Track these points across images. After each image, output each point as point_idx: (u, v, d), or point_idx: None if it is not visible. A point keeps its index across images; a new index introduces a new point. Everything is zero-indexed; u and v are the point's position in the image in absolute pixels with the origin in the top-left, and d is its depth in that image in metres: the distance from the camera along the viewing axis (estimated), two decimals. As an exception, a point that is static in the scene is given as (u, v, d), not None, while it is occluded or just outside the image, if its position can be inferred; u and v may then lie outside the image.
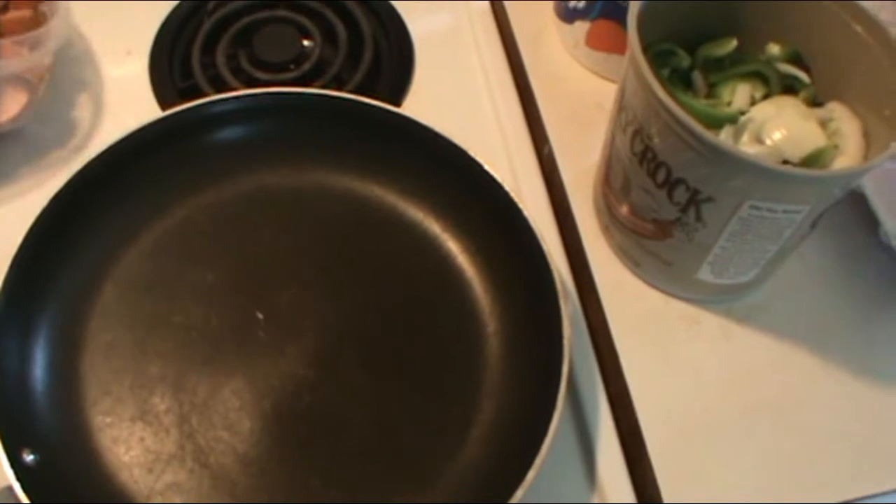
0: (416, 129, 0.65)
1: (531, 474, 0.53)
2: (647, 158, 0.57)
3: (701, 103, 0.60)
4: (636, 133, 0.57)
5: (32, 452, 0.56)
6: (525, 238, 0.61)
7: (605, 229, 0.66)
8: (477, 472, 0.58)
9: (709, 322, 0.65)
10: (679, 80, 0.62)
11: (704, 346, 0.64)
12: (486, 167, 0.63)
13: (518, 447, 0.56)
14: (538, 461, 0.54)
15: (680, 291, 0.65)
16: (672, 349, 0.64)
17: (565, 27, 0.73)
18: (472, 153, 0.63)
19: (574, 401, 0.62)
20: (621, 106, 0.59)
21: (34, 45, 0.64)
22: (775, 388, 0.62)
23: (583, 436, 0.61)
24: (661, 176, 0.57)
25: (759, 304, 0.65)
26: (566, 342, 0.57)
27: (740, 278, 0.62)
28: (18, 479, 0.53)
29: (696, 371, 0.63)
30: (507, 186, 0.63)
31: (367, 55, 0.73)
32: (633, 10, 0.55)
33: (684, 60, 0.62)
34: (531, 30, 0.75)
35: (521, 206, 0.62)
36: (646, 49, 0.60)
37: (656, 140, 0.55)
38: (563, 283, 0.60)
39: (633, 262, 0.65)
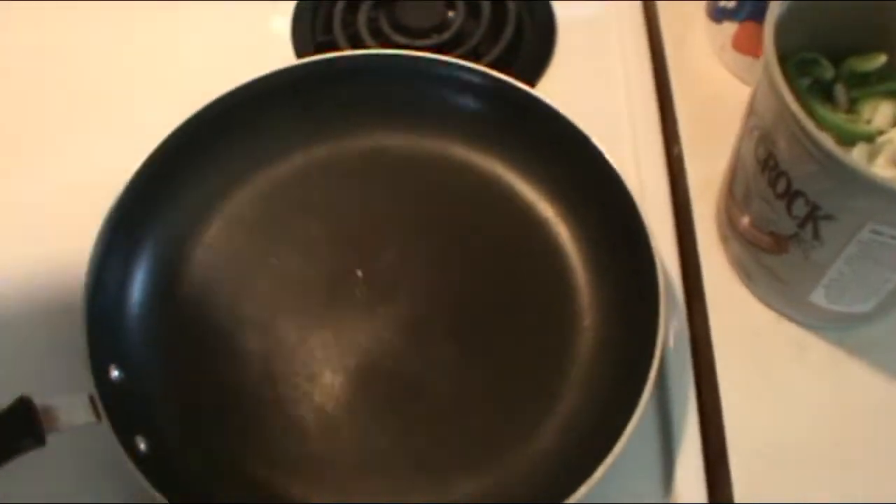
0: (544, 111, 0.64)
1: (599, 472, 0.52)
2: (770, 166, 0.54)
3: (838, 117, 0.57)
4: (762, 138, 0.54)
5: (118, 369, 0.58)
6: (636, 235, 0.59)
7: (724, 239, 0.64)
8: (546, 461, 0.57)
9: (818, 349, 0.61)
10: (820, 92, 0.59)
11: (810, 373, 0.61)
12: (608, 157, 0.61)
13: (592, 444, 0.54)
14: (609, 460, 0.52)
15: (792, 312, 0.62)
16: (774, 371, 0.61)
17: (714, 27, 0.71)
18: (595, 142, 0.62)
19: (662, 409, 0.60)
20: (751, 109, 0.56)
21: None
22: (878, 428, 0.59)
23: (666, 445, 0.59)
24: (781, 186, 0.54)
25: (876, 339, 0.61)
26: (658, 344, 0.55)
27: (857, 307, 0.59)
28: (101, 391, 0.55)
29: (796, 398, 0.60)
30: (627, 181, 0.61)
31: (508, 31, 0.72)
32: (773, 10, 0.53)
33: (828, 72, 0.59)
34: (680, 27, 0.73)
35: (636, 201, 0.60)
36: (787, 56, 0.58)
37: (781, 147, 0.53)
38: (668, 286, 0.58)
39: (747, 276, 0.62)
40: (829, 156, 0.49)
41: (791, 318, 0.62)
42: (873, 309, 0.58)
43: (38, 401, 0.54)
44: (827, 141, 0.49)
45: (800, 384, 0.60)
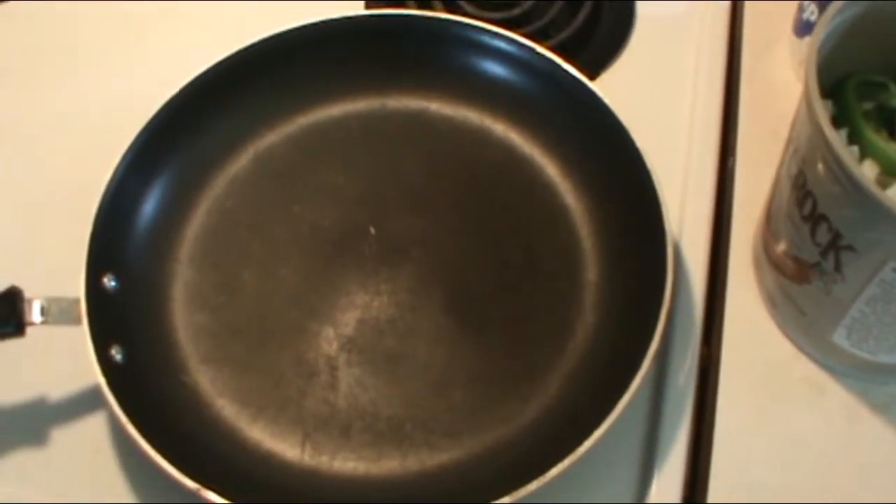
0: (567, 79, 0.63)
1: (603, 428, 0.51)
2: (799, 184, 0.50)
3: (891, 147, 0.52)
4: (795, 153, 0.51)
5: (114, 279, 0.58)
6: (647, 203, 0.58)
7: (756, 261, 0.60)
8: (550, 415, 0.56)
9: (835, 396, 0.56)
10: (882, 120, 0.55)
11: (820, 420, 0.56)
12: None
13: (596, 400, 0.53)
14: (612, 418, 0.51)
15: (814, 351, 0.57)
16: (782, 408, 0.56)
17: (796, 42, 0.66)
18: (606, 100, 0.61)
19: (655, 415, 0.57)
20: (793, 124, 0.53)
21: None
22: (881, 496, 0.54)
23: (650, 453, 0.56)
24: (807, 207, 0.50)
25: (904, 398, 0.56)
26: (665, 302, 0.54)
27: (884, 357, 0.54)
28: (90, 297, 0.55)
29: (799, 441, 0.55)
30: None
31: (581, 17, 0.69)
32: (824, 19, 0.49)
33: (894, 99, 0.55)
34: (764, 37, 0.68)
35: (648, 164, 0.58)
36: (853, 73, 0.54)
37: (809, 164, 0.49)
38: (686, 279, 0.58)
39: (773, 304, 0.58)
40: (849, 176, 0.45)
41: (812, 358, 0.57)
42: (902, 363, 0.54)
43: (29, 295, 0.55)
44: (849, 159, 0.45)
45: (807, 427, 0.56)
